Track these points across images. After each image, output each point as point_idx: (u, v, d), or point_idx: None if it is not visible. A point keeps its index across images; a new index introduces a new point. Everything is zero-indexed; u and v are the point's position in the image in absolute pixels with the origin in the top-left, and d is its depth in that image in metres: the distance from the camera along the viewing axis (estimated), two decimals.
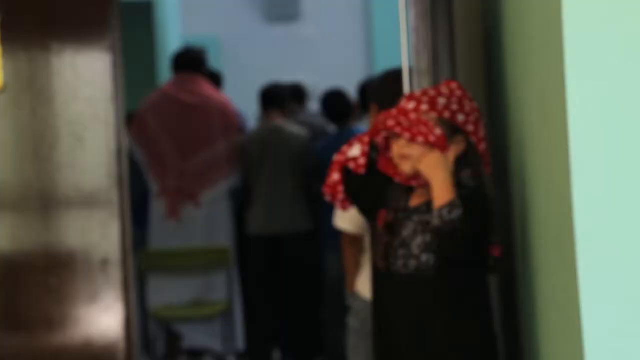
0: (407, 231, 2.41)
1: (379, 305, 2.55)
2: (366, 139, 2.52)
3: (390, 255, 2.42)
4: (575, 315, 1.70)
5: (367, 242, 3.31)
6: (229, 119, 5.31)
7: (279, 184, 5.38)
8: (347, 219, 3.27)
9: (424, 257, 2.37)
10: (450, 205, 2.27)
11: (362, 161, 2.49)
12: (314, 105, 9.68)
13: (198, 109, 5.26)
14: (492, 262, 2.38)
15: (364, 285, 3.28)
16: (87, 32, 3.50)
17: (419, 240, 2.39)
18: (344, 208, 2.61)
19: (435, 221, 2.27)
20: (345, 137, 5.13)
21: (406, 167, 2.40)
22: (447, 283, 2.36)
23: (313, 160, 5.42)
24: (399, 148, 2.39)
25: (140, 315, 4.98)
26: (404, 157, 2.38)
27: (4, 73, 3.44)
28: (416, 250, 2.38)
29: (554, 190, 1.89)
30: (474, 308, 2.40)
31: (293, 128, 5.61)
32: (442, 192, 2.30)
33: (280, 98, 5.63)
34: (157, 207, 5.18)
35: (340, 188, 2.51)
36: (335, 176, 2.51)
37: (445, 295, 2.37)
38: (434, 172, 2.33)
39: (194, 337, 5.20)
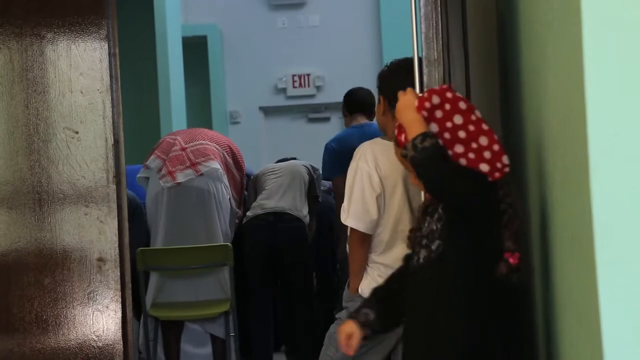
0: (425, 226, 2.45)
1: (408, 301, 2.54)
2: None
3: (415, 245, 2.46)
4: (593, 315, 1.63)
5: (376, 242, 3.19)
6: (234, 155, 5.37)
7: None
8: (355, 216, 3.15)
9: (433, 245, 2.37)
10: (423, 135, 2.28)
11: None
12: (313, 91, 9.66)
13: (206, 134, 5.39)
14: (505, 269, 2.27)
15: (370, 287, 3.16)
16: (82, 20, 3.40)
17: (426, 230, 2.41)
18: None
19: (410, 152, 2.29)
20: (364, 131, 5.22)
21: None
22: (447, 271, 2.34)
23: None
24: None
25: (137, 316, 4.90)
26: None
27: None
28: (425, 240, 2.41)
29: (572, 187, 1.83)
30: (472, 299, 2.33)
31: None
32: (413, 128, 2.31)
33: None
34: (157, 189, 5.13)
35: None
36: None
37: (443, 284, 2.34)
38: (403, 113, 2.36)
39: (195, 326, 5.16)
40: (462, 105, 2.35)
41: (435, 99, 2.33)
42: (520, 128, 2.69)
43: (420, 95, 2.37)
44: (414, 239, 2.46)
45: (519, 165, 2.71)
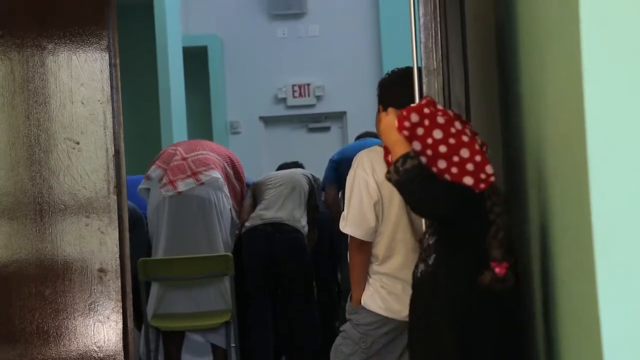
0: (425, 238, 2.48)
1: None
2: None
3: (420, 258, 2.48)
4: (593, 319, 1.63)
5: (375, 251, 3.18)
6: (235, 166, 5.36)
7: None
8: (353, 223, 3.14)
9: (430, 260, 2.39)
10: (404, 157, 2.31)
11: None
12: (313, 101, 9.66)
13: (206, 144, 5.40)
14: (489, 278, 2.24)
15: (373, 298, 3.14)
16: (83, 31, 3.40)
17: (426, 242, 2.44)
18: None
19: (393, 176, 2.32)
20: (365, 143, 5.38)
21: None
22: (439, 284, 2.35)
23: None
24: None
25: (138, 326, 4.89)
26: None
27: None
28: (424, 253, 2.43)
29: (571, 191, 1.83)
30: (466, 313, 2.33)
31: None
32: (396, 150, 2.35)
33: None
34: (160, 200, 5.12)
35: None
36: None
37: (438, 295, 2.36)
38: (386, 135, 2.42)
39: (196, 336, 5.15)
40: (441, 119, 2.34)
41: (414, 117, 2.33)
42: (520, 134, 2.69)
43: (400, 115, 2.37)
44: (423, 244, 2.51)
45: (519, 171, 2.71)
